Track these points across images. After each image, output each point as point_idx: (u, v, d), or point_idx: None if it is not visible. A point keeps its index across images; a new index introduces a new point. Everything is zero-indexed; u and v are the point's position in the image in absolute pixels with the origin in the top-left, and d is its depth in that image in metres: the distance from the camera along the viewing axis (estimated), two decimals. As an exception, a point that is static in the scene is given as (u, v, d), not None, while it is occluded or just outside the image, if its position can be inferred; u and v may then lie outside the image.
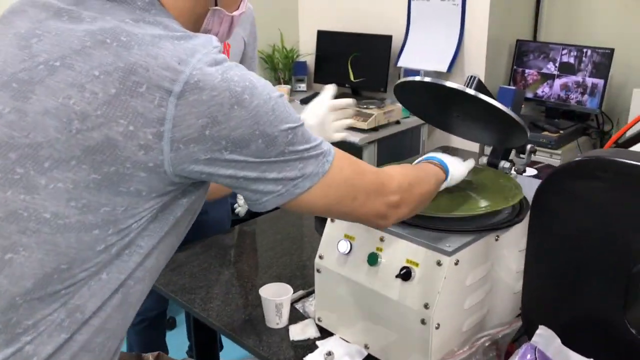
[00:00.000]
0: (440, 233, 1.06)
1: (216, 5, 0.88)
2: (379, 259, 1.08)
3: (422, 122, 3.06)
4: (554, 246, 0.97)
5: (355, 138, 2.71)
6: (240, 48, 1.75)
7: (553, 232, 0.96)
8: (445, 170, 1.08)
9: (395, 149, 2.98)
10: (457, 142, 3.15)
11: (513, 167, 1.32)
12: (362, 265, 1.11)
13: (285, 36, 3.62)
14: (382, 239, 1.09)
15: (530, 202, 1.17)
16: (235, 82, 0.75)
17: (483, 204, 1.11)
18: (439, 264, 1.01)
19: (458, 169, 1.12)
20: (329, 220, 1.19)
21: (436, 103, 1.24)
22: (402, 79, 1.19)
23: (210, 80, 0.73)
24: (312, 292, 1.35)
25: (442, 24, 3.01)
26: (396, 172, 0.95)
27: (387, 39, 3.19)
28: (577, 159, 0.93)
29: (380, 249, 1.09)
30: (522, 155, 1.36)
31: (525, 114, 3.05)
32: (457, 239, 1.04)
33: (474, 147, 3.07)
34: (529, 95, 2.98)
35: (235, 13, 0.93)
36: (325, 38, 3.51)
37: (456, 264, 1.01)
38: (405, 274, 1.03)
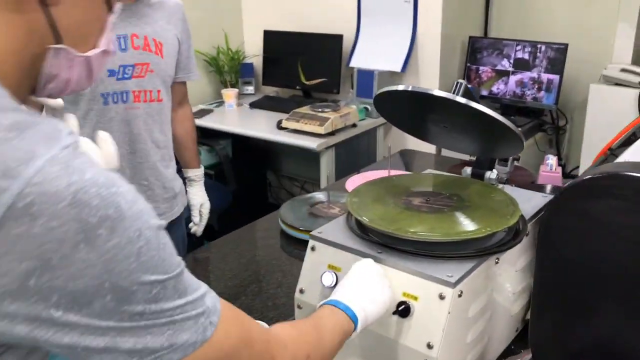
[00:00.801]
0: (438, 260, 0.94)
1: (58, 42, 0.61)
2: (371, 293, 0.95)
3: (379, 123, 2.98)
4: (566, 271, 0.88)
5: (312, 144, 2.58)
6: (174, 47, 1.60)
7: (565, 256, 0.87)
8: (354, 321, 0.87)
9: (352, 152, 2.88)
10: (414, 144, 3.08)
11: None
12: (352, 300, 0.98)
13: (229, 37, 3.45)
14: (373, 270, 0.96)
15: (525, 217, 1.10)
16: (93, 207, 0.50)
17: (481, 224, 1.00)
18: (441, 297, 0.89)
19: (371, 313, 0.88)
20: (309, 248, 1.06)
21: (420, 113, 1.13)
22: (384, 89, 1.07)
23: (52, 203, 0.49)
24: (289, 325, 1.22)
25: (394, 22, 2.93)
26: (291, 340, 0.75)
27: (338, 38, 3.08)
28: (588, 175, 0.84)
29: (371, 281, 0.96)
30: (503, 163, 1.27)
31: (481, 112, 3.01)
32: (458, 266, 0.93)
33: (430, 149, 3.02)
34: (484, 92, 2.94)
35: (91, 53, 0.66)
36: (272, 38, 3.37)
37: (460, 295, 0.90)
38: (404, 311, 0.91)
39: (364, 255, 0.98)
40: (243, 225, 1.76)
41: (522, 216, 1.06)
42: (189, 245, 1.90)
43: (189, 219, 1.83)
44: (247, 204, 3.40)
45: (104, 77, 1.45)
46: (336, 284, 1.00)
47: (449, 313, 0.89)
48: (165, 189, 1.63)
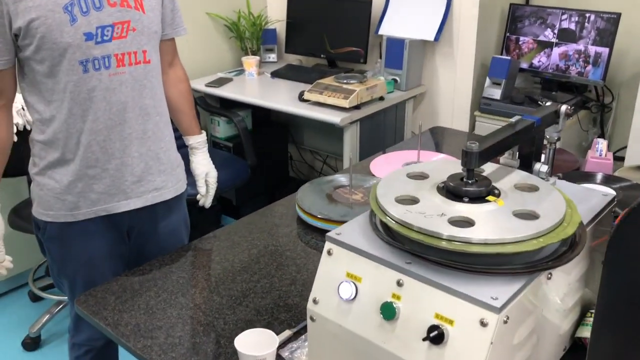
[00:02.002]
0: (480, 275, 0.78)
1: None
2: (396, 311, 0.80)
3: (408, 97, 2.78)
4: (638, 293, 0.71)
5: (335, 118, 2.40)
6: (157, 0, 1.41)
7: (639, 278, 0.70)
8: None
9: (379, 128, 2.69)
10: (445, 120, 2.89)
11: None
12: (373, 317, 0.83)
13: (251, 1, 3.25)
14: (400, 283, 0.81)
15: (583, 222, 0.92)
16: None
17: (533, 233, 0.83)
18: (483, 323, 0.73)
19: None
20: (325, 251, 0.90)
21: None
22: None
23: None
24: (302, 331, 1.08)
25: (428, -13, 2.70)
26: None
27: (366, 3, 2.87)
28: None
29: (397, 297, 0.81)
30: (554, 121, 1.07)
31: (519, 86, 2.79)
32: (504, 285, 0.76)
33: (463, 126, 2.82)
34: (524, 65, 2.71)
35: None
36: (296, 2, 3.17)
37: (505, 321, 0.74)
38: (437, 337, 0.75)
39: (389, 264, 0.82)
40: (262, 200, 1.61)
41: (580, 222, 0.89)
42: (205, 221, 1.74)
43: (192, 200, 1.67)
44: (267, 178, 3.25)
45: (80, 42, 1.27)
46: (356, 296, 0.85)
47: (491, 343, 0.73)
48: (160, 161, 1.47)
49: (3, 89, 1.35)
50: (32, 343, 2.29)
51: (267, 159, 3.18)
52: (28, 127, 2.03)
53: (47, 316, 2.32)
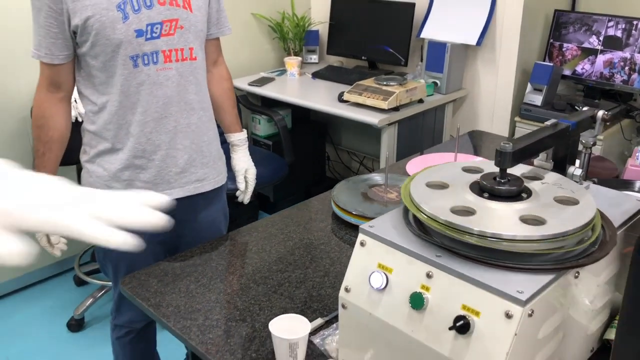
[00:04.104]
0: (507, 270, 0.81)
1: None
2: (425, 302, 0.83)
3: (448, 100, 2.79)
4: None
5: (373, 119, 2.44)
6: (204, 0, 1.48)
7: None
8: None
9: (417, 130, 2.71)
10: (485, 125, 2.88)
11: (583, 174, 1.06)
12: (402, 306, 0.86)
13: (295, 2, 3.31)
14: (429, 275, 0.84)
15: (614, 224, 0.94)
16: None
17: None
18: (508, 315, 0.76)
19: None
20: (358, 242, 0.94)
21: None
22: None
23: None
24: (334, 320, 1.12)
25: (471, -9, 2.71)
26: None
27: (409, 6, 2.89)
28: None
29: (426, 288, 0.84)
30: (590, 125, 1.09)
31: (561, 93, 2.77)
32: (530, 280, 0.79)
33: (503, 131, 2.81)
34: (567, 72, 2.69)
35: None
36: (339, 4, 3.21)
37: (530, 315, 0.77)
38: (462, 327, 0.78)
39: (419, 257, 0.86)
40: (299, 197, 1.65)
41: (610, 224, 0.90)
42: (243, 216, 1.80)
43: (231, 195, 1.74)
44: (304, 177, 3.31)
45: (131, 38, 1.34)
46: (386, 286, 0.88)
47: (515, 335, 0.75)
48: (203, 154, 1.53)
49: (63, 82, 1.44)
50: (76, 325, 2.40)
51: (305, 158, 3.24)
52: (79, 119, 2.12)
53: (91, 300, 2.43)
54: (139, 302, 1.22)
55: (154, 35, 1.37)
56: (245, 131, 1.73)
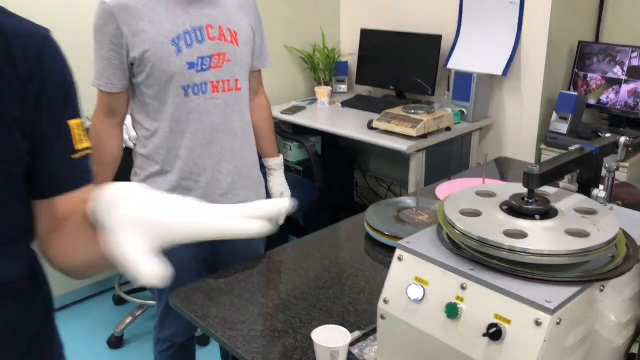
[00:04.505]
0: (536, 282, 0.88)
1: None
2: (459, 311, 0.90)
3: (474, 128, 2.87)
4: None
5: (402, 146, 2.52)
6: (249, 35, 1.60)
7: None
8: None
9: (444, 157, 2.79)
10: (511, 153, 2.95)
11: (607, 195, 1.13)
12: (438, 316, 0.93)
13: (326, 35, 3.45)
14: (463, 287, 0.91)
15: (632, 240, 1.00)
16: None
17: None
18: (537, 323, 0.83)
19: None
20: (395, 257, 1.02)
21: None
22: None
23: None
24: (370, 333, 1.19)
25: (497, 24, 2.81)
26: None
27: (436, 39, 3.00)
28: None
29: (461, 299, 0.91)
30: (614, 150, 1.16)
31: (586, 122, 2.82)
32: (557, 292, 0.85)
33: (529, 158, 2.87)
34: (592, 101, 2.75)
35: None
36: (368, 37, 3.34)
37: (558, 323, 0.83)
38: (495, 334, 0.85)
39: (454, 270, 0.93)
40: (328, 222, 1.74)
41: (634, 241, 0.97)
42: (273, 239, 1.89)
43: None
44: (332, 202, 3.39)
45: (183, 70, 1.46)
46: (423, 297, 0.96)
47: (545, 341, 0.82)
48: (244, 177, 1.64)
49: (118, 109, 1.56)
50: (116, 342, 2.50)
51: (333, 184, 3.33)
52: (130, 144, 2.25)
53: (130, 318, 2.53)
54: (188, 314, 1.30)
55: (204, 67, 1.49)
56: (281, 156, 1.83)
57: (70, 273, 0.81)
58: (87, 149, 0.81)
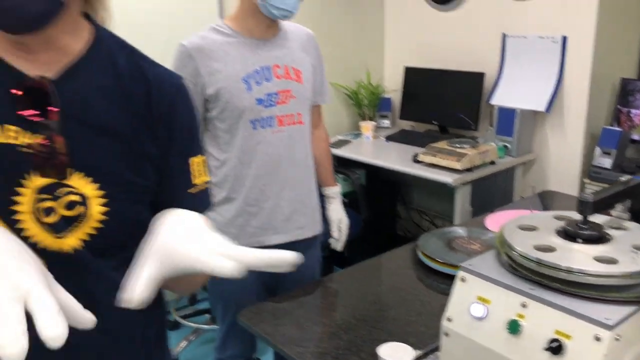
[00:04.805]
0: (593, 302, 0.94)
1: None
2: (521, 328, 0.97)
3: (518, 162, 2.93)
4: None
5: (448, 178, 2.60)
6: (311, 73, 1.74)
7: None
8: None
9: (488, 190, 2.85)
10: (554, 187, 2.99)
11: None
12: (501, 332, 1.00)
13: (371, 72, 3.58)
14: (524, 305, 0.99)
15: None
16: None
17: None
18: (597, 338, 0.89)
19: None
20: (458, 278, 1.10)
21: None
22: None
23: None
24: (430, 352, 1.26)
25: (539, 62, 2.89)
26: None
27: (479, 76, 3.09)
28: None
29: (521, 316, 0.98)
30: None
31: (630, 157, 2.86)
32: (615, 310, 0.92)
33: (572, 191, 2.91)
34: (635, 137, 2.79)
35: None
36: (412, 74, 3.46)
37: (617, 339, 0.90)
38: (556, 348, 0.92)
39: (515, 290, 1.00)
40: (371, 254, 1.82)
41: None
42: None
43: (324, 243, 1.93)
44: (376, 234, 3.47)
45: (253, 105, 1.60)
46: (486, 315, 1.03)
47: (605, 356, 0.88)
48: (304, 204, 1.75)
49: None
50: (170, 364, 2.59)
51: (377, 216, 3.41)
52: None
53: (185, 342, 2.63)
54: (257, 332, 1.40)
55: (271, 103, 1.62)
56: (339, 185, 1.94)
57: (175, 291, 0.93)
58: (206, 182, 0.94)
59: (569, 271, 0.96)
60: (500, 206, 2.22)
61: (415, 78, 3.44)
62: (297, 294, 1.57)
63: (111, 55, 0.82)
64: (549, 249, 1.03)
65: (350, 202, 3.29)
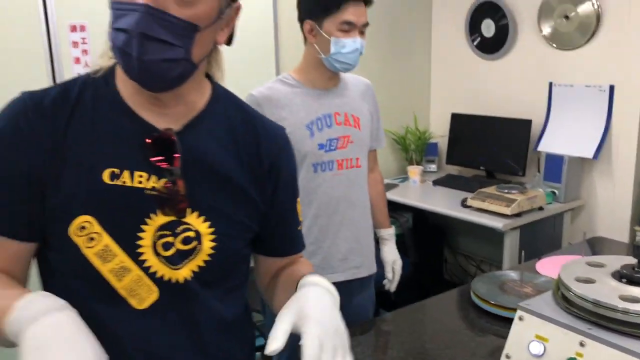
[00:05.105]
0: (650, 342, 0.99)
1: None
2: (579, 365, 1.02)
3: (566, 208, 2.95)
4: None
5: (497, 223, 2.64)
6: (368, 120, 1.86)
7: None
8: None
9: (536, 235, 2.87)
10: (604, 230, 2.99)
11: None
12: (559, 370, 1.05)
13: (418, 118, 3.68)
14: (582, 344, 1.03)
15: None
16: None
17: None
18: (655, 377, 0.94)
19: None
20: (516, 317, 1.15)
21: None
22: None
23: None
24: (487, 390, 1.30)
25: (587, 109, 2.94)
26: None
27: (526, 123, 3.15)
28: None
29: (580, 354, 1.03)
30: None
31: (682, 204, 2.84)
32: (672, 351, 0.96)
33: (623, 238, 2.90)
34: (687, 184, 2.78)
35: None
36: (458, 120, 3.54)
37: (675, 379, 0.94)
38: (615, 386, 0.96)
39: (573, 329, 1.06)
40: (418, 297, 1.88)
41: None
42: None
43: (378, 278, 1.99)
44: (422, 278, 3.49)
45: (315, 150, 1.71)
46: (544, 353, 1.08)
47: (663, 394, 0.92)
48: (360, 244, 1.83)
49: None
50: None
51: (423, 260, 3.44)
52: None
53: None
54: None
55: (331, 148, 1.73)
56: (393, 227, 2.02)
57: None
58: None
59: (626, 312, 1.01)
60: (549, 252, 2.24)
61: (462, 124, 3.52)
62: (353, 332, 1.63)
63: (226, 109, 0.95)
64: (605, 291, 1.08)
65: (397, 245, 3.34)
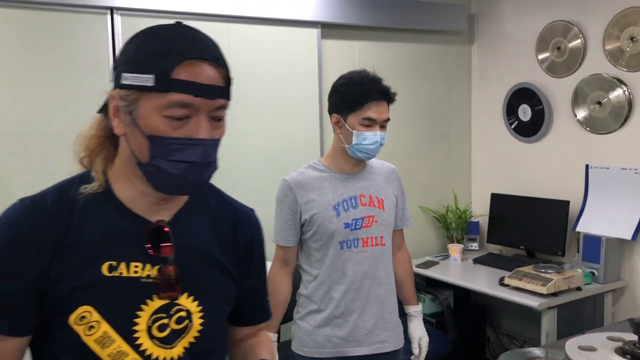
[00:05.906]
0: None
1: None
2: None
3: (606, 289, 2.95)
4: None
5: (533, 302, 2.68)
6: (393, 201, 1.99)
7: None
8: None
9: (576, 315, 2.87)
10: (647, 313, 2.95)
11: None
12: None
13: (458, 198, 3.80)
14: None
15: None
16: None
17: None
18: None
19: None
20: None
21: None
22: None
23: None
24: None
25: (623, 191, 3.00)
26: None
27: (564, 203, 3.22)
28: None
29: None
30: None
31: None
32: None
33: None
34: None
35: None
36: (498, 200, 3.63)
37: None
38: None
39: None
40: None
41: None
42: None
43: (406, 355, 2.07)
44: (464, 357, 3.48)
45: (341, 229, 1.87)
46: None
47: None
48: (386, 320, 1.94)
49: (290, 260, 1.98)
50: None
51: (465, 338, 3.45)
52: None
53: None
54: None
55: (356, 227, 1.89)
56: (421, 305, 2.12)
57: None
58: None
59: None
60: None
61: (502, 204, 3.61)
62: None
63: (206, 198, 1.09)
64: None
65: (437, 323, 3.38)
